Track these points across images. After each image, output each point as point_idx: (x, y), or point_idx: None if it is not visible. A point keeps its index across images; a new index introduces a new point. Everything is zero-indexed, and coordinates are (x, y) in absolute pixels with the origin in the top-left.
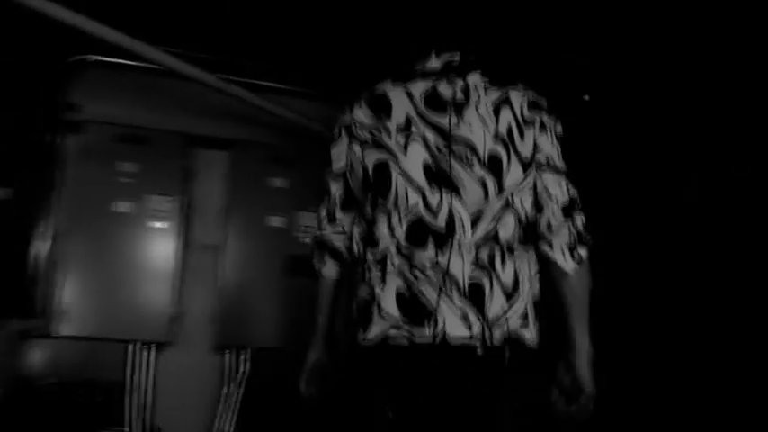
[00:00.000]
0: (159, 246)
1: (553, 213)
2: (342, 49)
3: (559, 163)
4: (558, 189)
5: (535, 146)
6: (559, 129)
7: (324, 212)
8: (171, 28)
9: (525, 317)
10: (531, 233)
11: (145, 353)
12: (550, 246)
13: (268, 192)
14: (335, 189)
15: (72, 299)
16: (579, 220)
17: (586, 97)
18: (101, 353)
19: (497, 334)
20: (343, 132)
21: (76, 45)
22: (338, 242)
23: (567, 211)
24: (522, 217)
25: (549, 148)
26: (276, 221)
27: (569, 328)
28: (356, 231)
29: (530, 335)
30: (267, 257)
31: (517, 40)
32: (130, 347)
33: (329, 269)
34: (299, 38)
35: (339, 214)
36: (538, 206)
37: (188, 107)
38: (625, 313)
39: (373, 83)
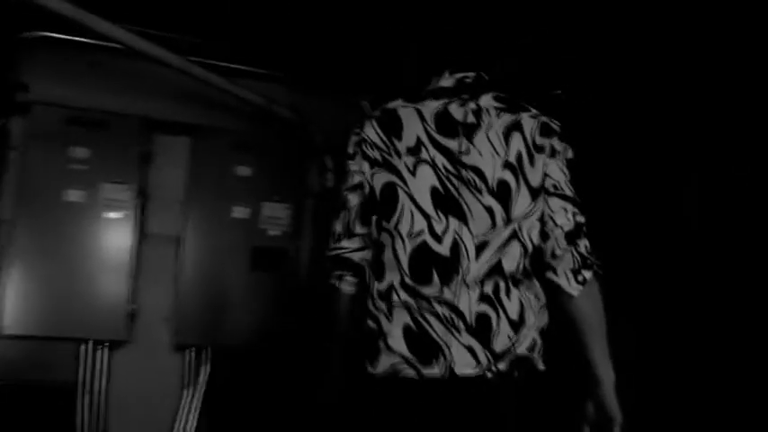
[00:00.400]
0: (114, 237)
1: (557, 241)
2: (312, 30)
3: (567, 190)
4: (563, 217)
5: (544, 173)
6: (570, 154)
7: (340, 227)
8: (129, 3)
9: (533, 347)
10: (536, 263)
11: (98, 353)
12: (555, 272)
13: (231, 180)
14: (354, 202)
15: (18, 294)
16: (583, 245)
17: (558, 91)
18: (50, 353)
19: (504, 364)
20: (358, 151)
21: (26, 20)
22: (358, 257)
23: (571, 238)
24: (529, 248)
25: (558, 174)
26: (240, 212)
27: (590, 360)
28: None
29: (537, 358)
30: (230, 250)
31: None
32: (83, 347)
33: (348, 285)
34: (266, 16)
35: (359, 228)
36: (543, 234)
37: (146, 89)
38: (625, 316)
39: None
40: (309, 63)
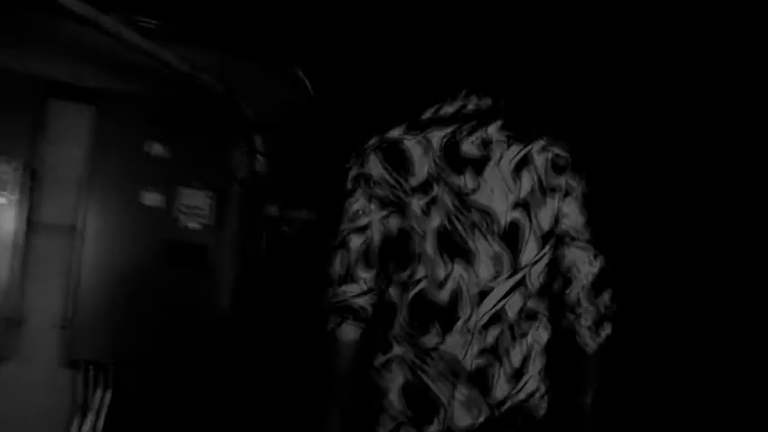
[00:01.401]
0: None
1: (582, 292)
2: None
3: (588, 234)
4: (587, 265)
5: (558, 215)
6: (585, 189)
7: (339, 270)
8: None
9: (534, 393)
10: (551, 305)
11: None
12: (577, 320)
13: (143, 160)
14: (356, 244)
15: None
16: (607, 295)
17: None
18: None
19: (504, 412)
20: (360, 187)
21: None
22: (362, 301)
23: (598, 290)
24: (533, 292)
25: (577, 217)
26: (151, 199)
27: (578, 402)
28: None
29: (538, 404)
30: (139, 244)
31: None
32: None
33: (349, 332)
34: None
35: (362, 272)
36: (566, 279)
37: (41, 44)
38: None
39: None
40: (241, 25)
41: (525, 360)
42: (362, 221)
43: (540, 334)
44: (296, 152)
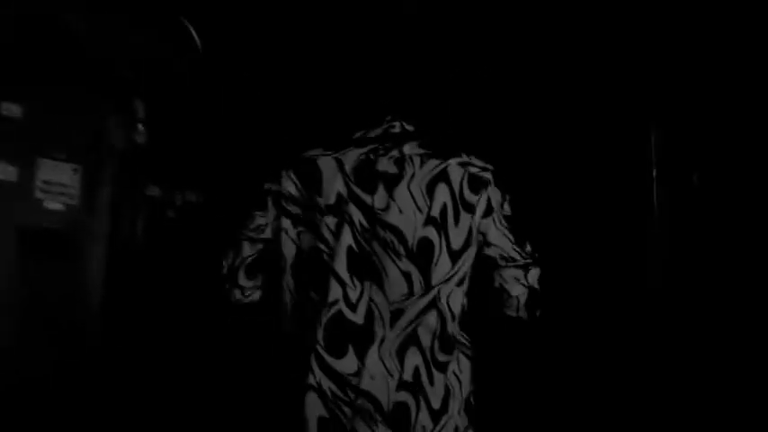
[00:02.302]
0: None
1: (517, 310)
2: None
3: (516, 254)
4: (519, 287)
5: (481, 237)
6: (507, 207)
7: (225, 270)
8: None
9: None
10: (458, 331)
11: None
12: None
13: None
14: (247, 253)
15: None
16: (538, 311)
17: None
18: None
19: None
20: (271, 202)
21: None
22: (245, 299)
23: (531, 308)
24: (448, 317)
25: (501, 240)
26: (2, 171)
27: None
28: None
29: None
30: None
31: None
32: None
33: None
34: None
35: (243, 281)
36: (502, 301)
37: None
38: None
39: None
40: None
41: (447, 398)
42: (262, 235)
43: (461, 368)
44: (183, 122)
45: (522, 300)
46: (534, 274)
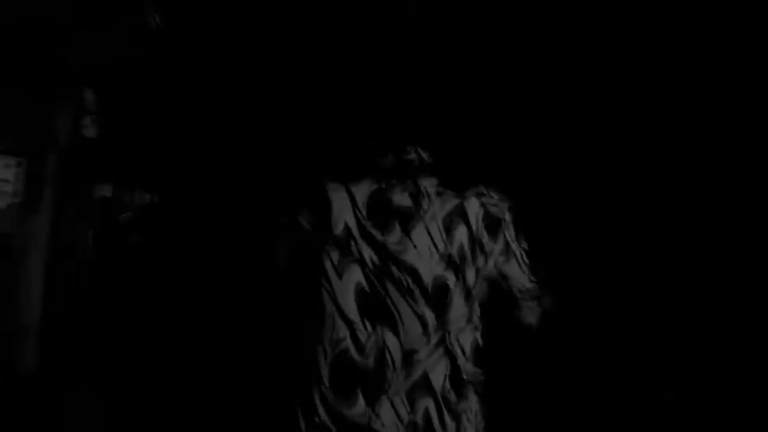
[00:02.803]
0: None
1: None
2: None
3: (530, 284)
4: (532, 315)
5: (498, 272)
6: (525, 244)
7: None
8: None
9: None
10: (472, 374)
11: None
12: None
13: None
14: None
15: None
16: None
17: None
18: None
19: None
20: (277, 232)
21: None
22: None
23: (542, 330)
24: (460, 359)
25: (518, 273)
26: None
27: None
28: None
29: None
30: None
31: None
32: None
33: None
34: None
35: None
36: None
37: None
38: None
39: None
40: None
41: None
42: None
43: (471, 407)
44: (139, 114)
45: (535, 325)
46: (547, 302)
